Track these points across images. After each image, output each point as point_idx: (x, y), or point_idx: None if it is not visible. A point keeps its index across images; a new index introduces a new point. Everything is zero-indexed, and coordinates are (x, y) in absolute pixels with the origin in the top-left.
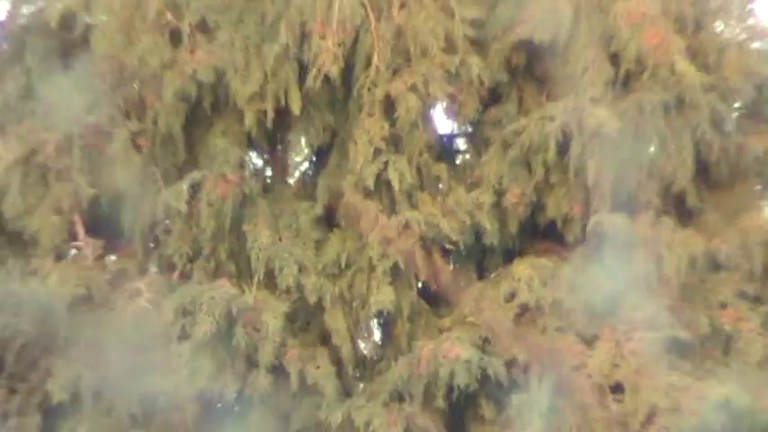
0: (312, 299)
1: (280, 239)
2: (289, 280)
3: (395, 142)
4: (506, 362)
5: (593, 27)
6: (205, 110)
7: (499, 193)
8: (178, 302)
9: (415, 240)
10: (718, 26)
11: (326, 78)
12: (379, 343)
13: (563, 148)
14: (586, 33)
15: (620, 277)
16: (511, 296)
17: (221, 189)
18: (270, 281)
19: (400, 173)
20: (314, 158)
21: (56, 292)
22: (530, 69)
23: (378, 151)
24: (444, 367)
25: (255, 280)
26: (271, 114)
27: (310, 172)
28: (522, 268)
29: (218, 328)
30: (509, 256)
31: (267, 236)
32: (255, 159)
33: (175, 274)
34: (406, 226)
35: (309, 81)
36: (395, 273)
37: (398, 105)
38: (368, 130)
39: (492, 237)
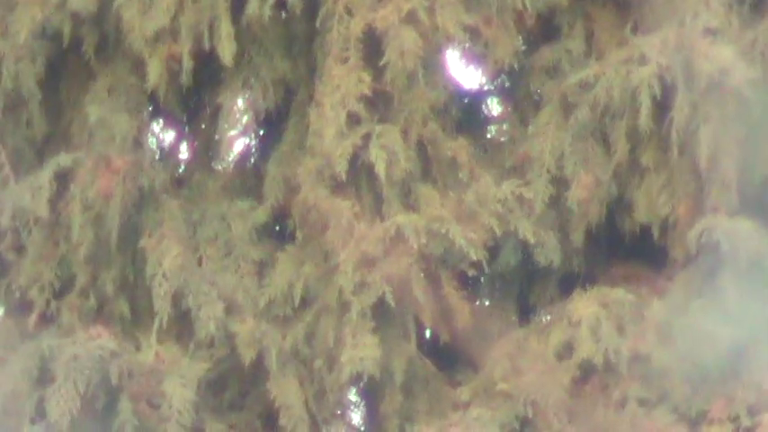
0: (247, 356)
1: (199, 261)
2: (209, 326)
3: (382, 104)
4: None
5: None
6: (81, 55)
7: (560, 184)
8: (30, 360)
9: (411, 260)
10: None
11: (280, 3)
12: (359, 427)
13: (661, 110)
14: None
15: (745, 318)
16: (567, 349)
17: (104, 181)
18: (182, 327)
19: (390, 153)
20: (259, 131)
21: None
22: None
23: (354, 118)
24: None
25: (155, 325)
26: (188, 63)
27: (252, 153)
28: (584, 305)
29: (87, 404)
30: (568, 284)
31: (176, 255)
32: (163, 133)
33: (33, 317)
34: (399, 238)
35: (253, 7)
36: (381, 313)
37: (388, 45)
38: (338, 84)
39: (542, 256)
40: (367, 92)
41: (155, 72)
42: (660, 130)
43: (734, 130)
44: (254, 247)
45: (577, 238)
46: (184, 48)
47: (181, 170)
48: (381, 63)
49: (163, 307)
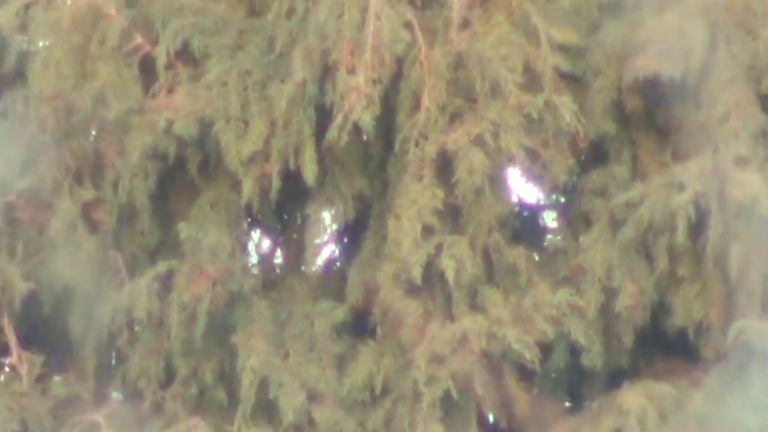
0: None
1: (285, 355)
2: (289, 414)
3: (452, 217)
4: None
5: (736, 55)
6: (186, 173)
7: (609, 292)
8: None
9: (476, 358)
10: None
11: (357, 129)
12: None
13: (697, 229)
14: (727, 64)
15: None
16: None
17: (196, 286)
18: (271, 414)
19: (458, 261)
20: (342, 240)
21: None
22: (648, 116)
23: (428, 230)
24: None
25: (240, 412)
26: (277, 183)
27: (336, 259)
28: (632, 397)
29: None
30: (617, 378)
31: (263, 350)
32: (260, 242)
33: (146, 403)
34: (465, 338)
35: (332, 133)
36: (449, 403)
37: (458, 165)
38: (414, 199)
39: (593, 355)
40: (440, 206)
41: (248, 189)
42: (695, 245)
43: (760, 248)
44: (334, 342)
45: (627, 340)
46: (274, 169)
47: (276, 273)
48: (453, 180)
49: (248, 397)
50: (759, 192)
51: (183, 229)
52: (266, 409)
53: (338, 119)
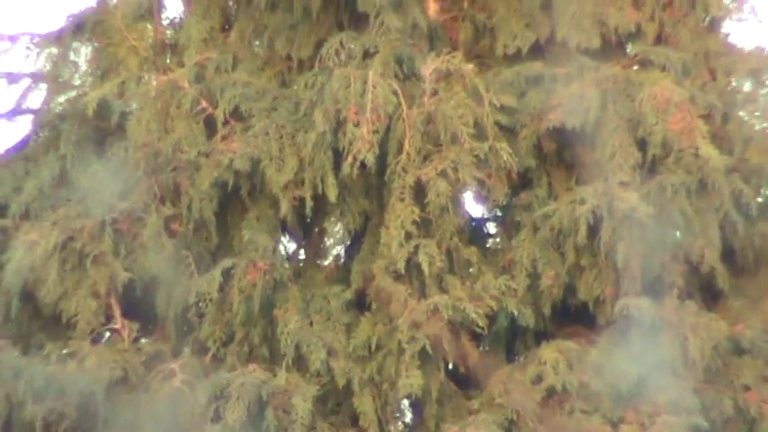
0: (341, 382)
1: (311, 324)
2: (316, 364)
3: (425, 226)
4: None
5: (620, 112)
6: (240, 196)
7: (533, 277)
8: (212, 386)
9: (443, 325)
10: (744, 117)
11: (362, 165)
12: (409, 425)
13: (593, 232)
14: (614, 119)
15: (645, 360)
16: (538, 379)
17: (251, 275)
18: (301, 364)
19: (430, 257)
20: (348, 243)
21: (94, 375)
22: (559, 155)
23: (408, 235)
24: None
25: (284, 364)
26: (309, 203)
27: (344, 256)
28: (549, 351)
29: (249, 412)
30: (540, 339)
31: (296, 321)
32: (289, 244)
33: (208, 357)
34: (435, 310)
35: (345, 168)
36: (423, 356)
37: (429, 190)
38: (399, 214)
39: (522, 321)
40: (417, 219)
41: (285, 208)
42: (592, 243)
43: (638, 245)
44: (344, 315)
45: (546, 309)
46: (307, 194)
47: (300, 267)
48: (426, 201)
49: (289, 352)
50: (636, 205)
51: (246, 234)
52: (297, 361)
53: (349, 159)
